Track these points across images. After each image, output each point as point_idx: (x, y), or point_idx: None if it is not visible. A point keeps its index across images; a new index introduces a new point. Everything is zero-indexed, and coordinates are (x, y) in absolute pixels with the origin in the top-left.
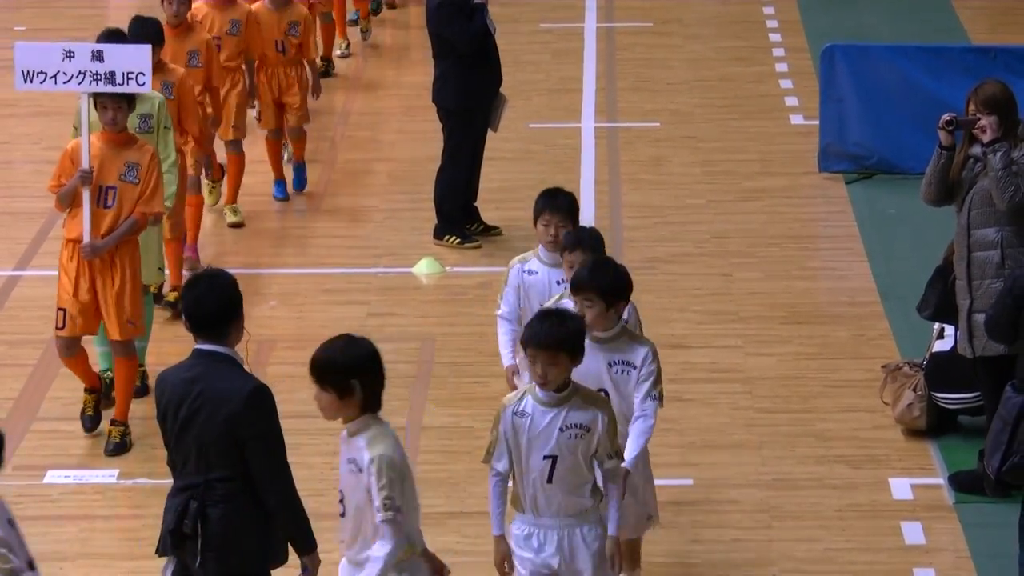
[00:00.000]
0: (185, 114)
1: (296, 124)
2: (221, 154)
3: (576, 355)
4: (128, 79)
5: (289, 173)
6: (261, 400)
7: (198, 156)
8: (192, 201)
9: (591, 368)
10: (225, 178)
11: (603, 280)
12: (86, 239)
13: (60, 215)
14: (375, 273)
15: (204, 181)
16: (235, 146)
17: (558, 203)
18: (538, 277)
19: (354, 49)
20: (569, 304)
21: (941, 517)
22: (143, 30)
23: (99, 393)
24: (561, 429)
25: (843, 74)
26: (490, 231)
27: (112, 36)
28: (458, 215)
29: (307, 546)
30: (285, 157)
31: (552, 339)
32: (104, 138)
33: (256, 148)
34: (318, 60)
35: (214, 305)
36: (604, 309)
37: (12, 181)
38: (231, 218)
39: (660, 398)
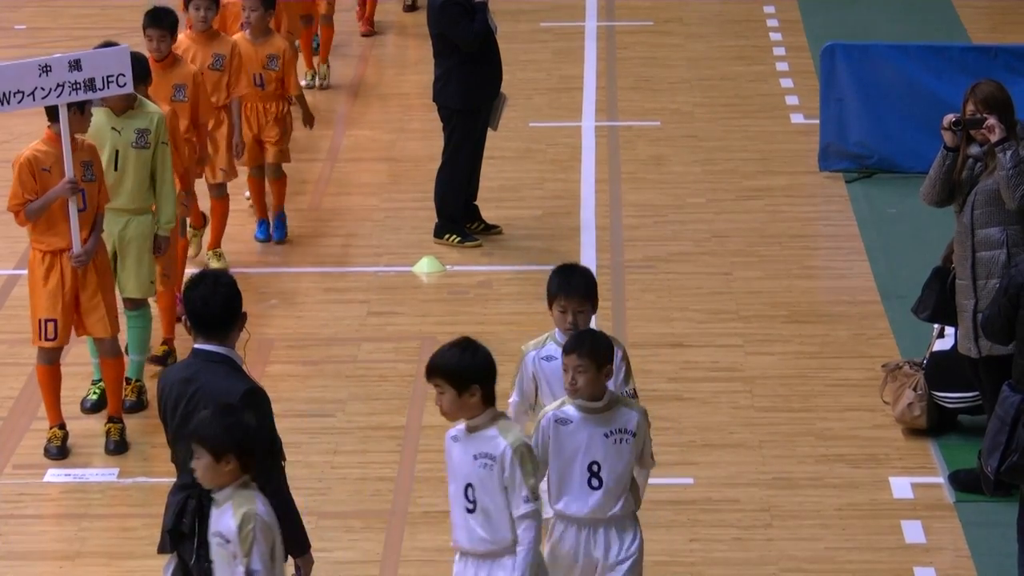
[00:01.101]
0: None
1: (274, 161)
2: (204, 202)
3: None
4: (108, 83)
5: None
6: (254, 402)
7: (181, 197)
8: (180, 244)
9: (462, 460)
10: (208, 225)
11: (447, 364)
12: (77, 248)
13: None
14: (375, 272)
15: (188, 229)
16: (220, 190)
17: (574, 286)
18: (558, 363)
19: (355, 50)
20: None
21: (941, 516)
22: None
23: (66, 431)
24: None
25: (843, 73)
26: (491, 230)
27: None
28: (458, 214)
29: (299, 548)
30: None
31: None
32: (58, 144)
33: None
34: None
35: (221, 305)
36: (456, 396)
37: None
38: (215, 264)
39: (533, 497)
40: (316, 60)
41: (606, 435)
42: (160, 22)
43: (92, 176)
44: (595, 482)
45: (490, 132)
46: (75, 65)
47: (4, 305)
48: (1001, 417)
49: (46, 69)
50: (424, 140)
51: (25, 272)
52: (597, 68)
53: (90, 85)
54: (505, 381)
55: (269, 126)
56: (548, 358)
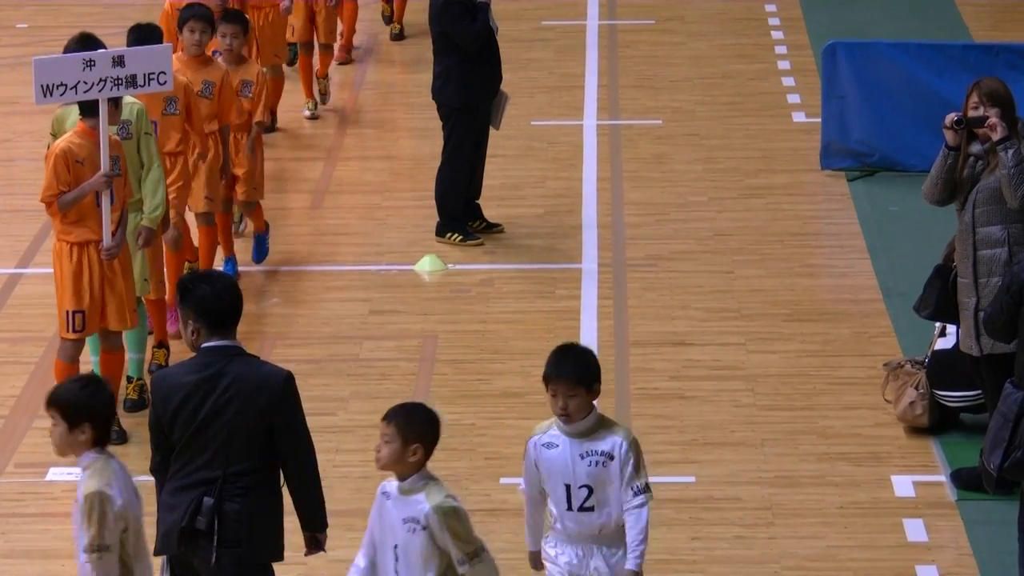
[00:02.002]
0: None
1: (246, 199)
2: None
3: None
4: (149, 80)
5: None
6: (294, 385)
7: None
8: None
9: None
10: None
11: (62, 398)
12: (108, 242)
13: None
14: (377, 270)
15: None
16: (206, 219)
17: (564, 370)
18: (558, 451)
19: (354, 51)
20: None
21: (943, 514)
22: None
23: None
24: None
25: (845, 71)
26: (492, 228)
27: (86, 40)
28: (459, 212)
29: (325, 521)
30: (243, 227)
31: None
32: (91, 138)
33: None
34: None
35: (232, 299)
36: (67, 431)
37: (14, 179)
38: None
39: (90, 550)
40: (314, 87)
41: (403, 521)
42: (149, 41)
43: (119, 171)
44: (400, 569)
45: (492, 131)
46: (118, 61)
47: (5, 305)
48: (1003, 414)
49: (90, 64)
50: (426, 138)
51: (27, 271)
52: (599, 66)
53: (132, 81)
54: (471, 382)
55: (239, 160)
56: (548, 445)
